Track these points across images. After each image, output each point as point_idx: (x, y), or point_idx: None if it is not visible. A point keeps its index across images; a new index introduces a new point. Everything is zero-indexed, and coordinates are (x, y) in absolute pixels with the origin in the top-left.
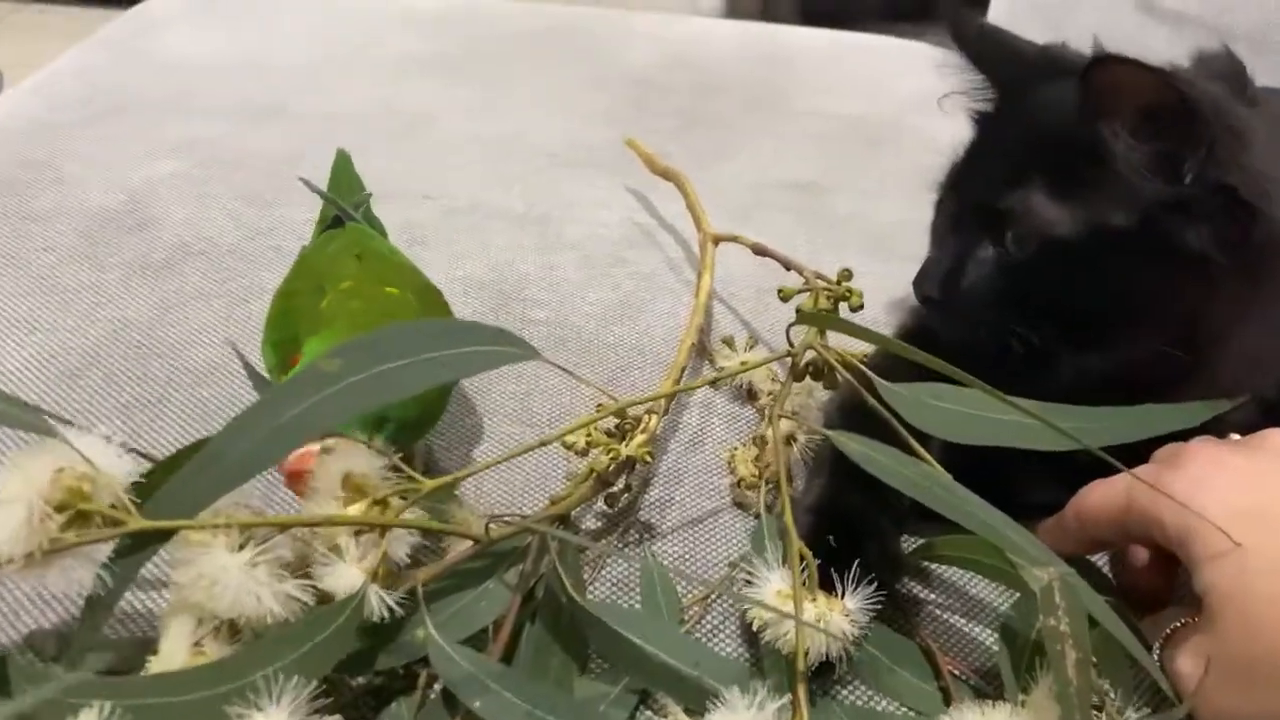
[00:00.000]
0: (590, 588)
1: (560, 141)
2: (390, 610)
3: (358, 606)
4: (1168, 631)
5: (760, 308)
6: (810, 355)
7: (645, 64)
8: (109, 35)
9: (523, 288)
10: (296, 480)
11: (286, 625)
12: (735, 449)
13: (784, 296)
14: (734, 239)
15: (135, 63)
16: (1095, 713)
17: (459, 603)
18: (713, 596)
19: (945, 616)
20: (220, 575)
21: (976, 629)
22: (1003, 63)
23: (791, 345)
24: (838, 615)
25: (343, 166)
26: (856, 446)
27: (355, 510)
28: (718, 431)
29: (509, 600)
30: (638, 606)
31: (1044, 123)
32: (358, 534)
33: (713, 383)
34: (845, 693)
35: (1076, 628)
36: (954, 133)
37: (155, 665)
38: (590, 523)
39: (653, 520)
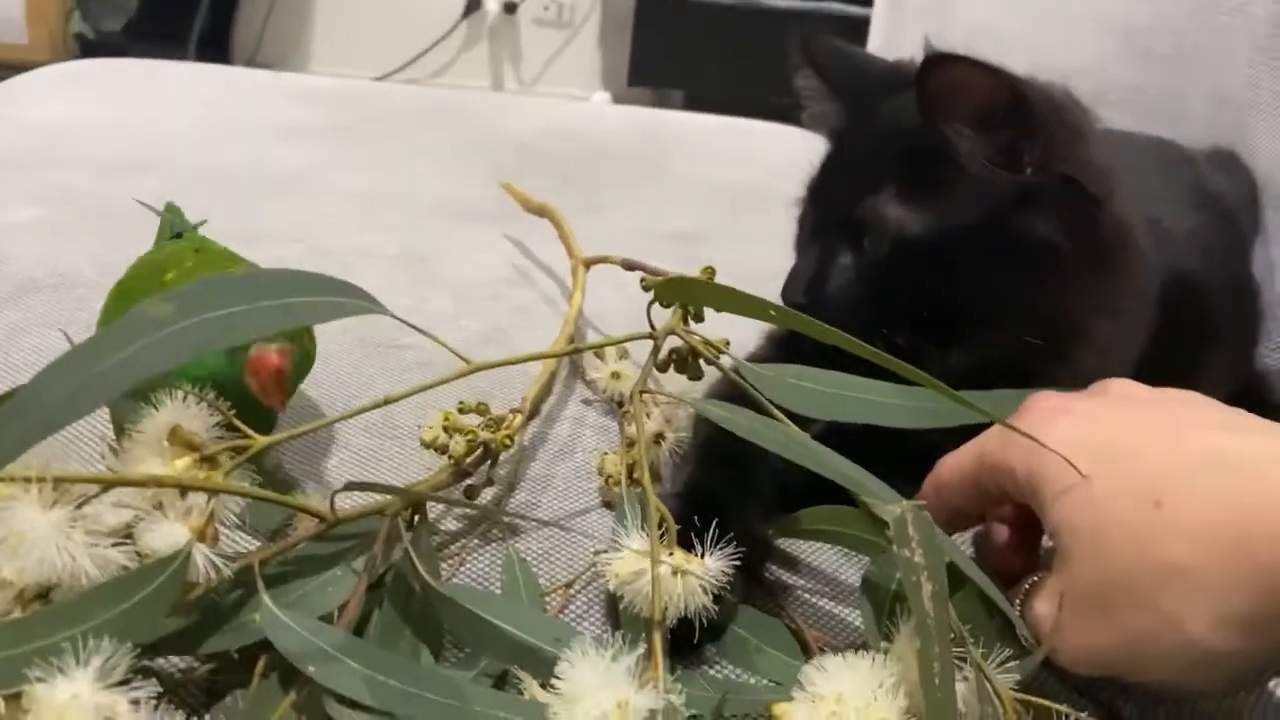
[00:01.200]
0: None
1: (438, 196)
2: (217, 569)
3: (180, 566)
4: (1025, 586)
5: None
6: (673, 343)
7: (525, 133)
8: None
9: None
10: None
11: (101, 586)
12: (605, 454)
13: (646, 285)
14: (604, 259)
15: (1, 125)
16: (958, 662)
17: (302, 589)
18: (577, 584)
19: (814, 600)
20: (28, 532)
21: (845, 610)
22: (853, 79)
23: (653, 328)
24: (696, 567)
25: (174, 215)
26: (719, 411)
27: (181, 465)
28: (588, 442)
29: (355, 587)
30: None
31: (892, 131)
32: (183, 493)
33: (575, 352)
34: (713, 673)
35: (931, 560)
36: None
37: None
38: (450, 524)
39: (516, 523)
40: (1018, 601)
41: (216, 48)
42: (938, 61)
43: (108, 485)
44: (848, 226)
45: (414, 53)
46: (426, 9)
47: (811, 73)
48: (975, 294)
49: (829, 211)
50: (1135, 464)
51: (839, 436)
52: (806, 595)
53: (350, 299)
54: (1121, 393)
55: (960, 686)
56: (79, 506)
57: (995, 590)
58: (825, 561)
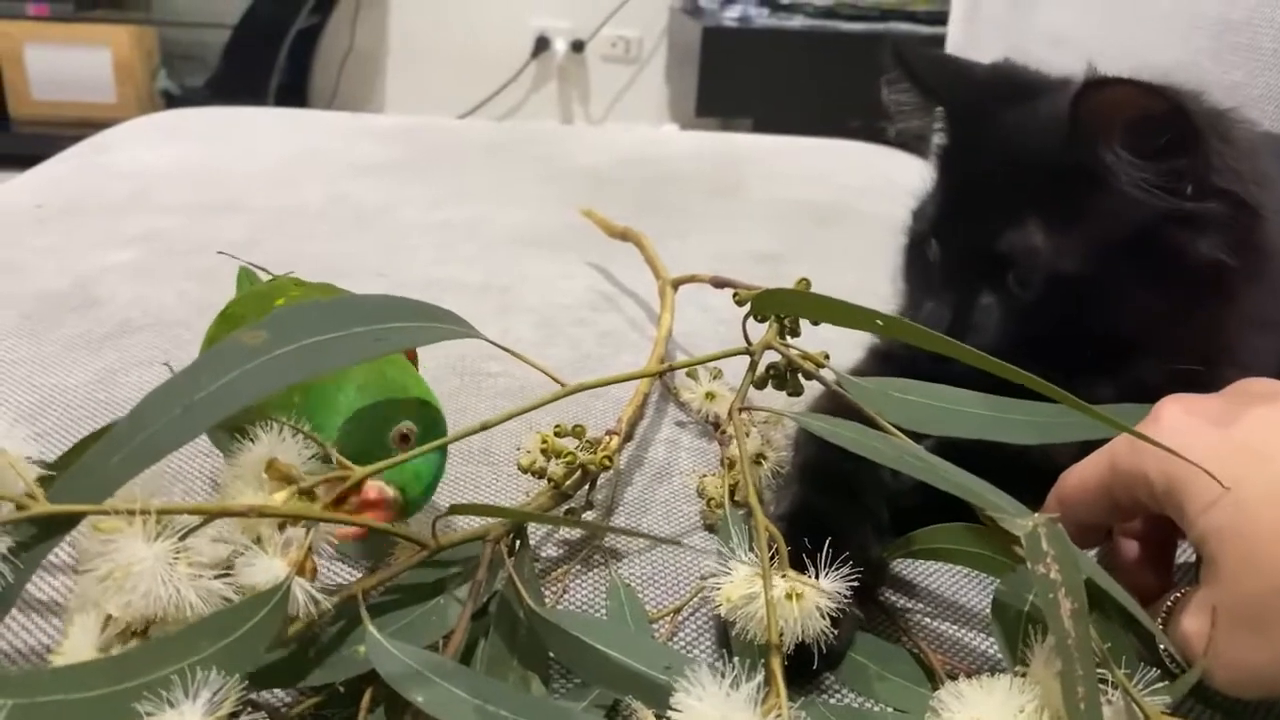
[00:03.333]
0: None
1: (516, 226)
2: (316, 603)
3: (281, 600)
4: (1168, 604)
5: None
6: (770, 359)
7: (599, 162)
8: (66, 154)
9: (480, 347)
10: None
11: (202, 621)
12: (705, 475)
13: (740, 300)
14: (692, 279)
15: (92, 173)
16: (1100, 684)
17: (405, 618)
18: (685, 610)
19: (935, 623)
20: (135, 565)
21: (969, 634)
22: (956, 89)
23: (749, 343)
24: (811, 590)
25: (248, 277)
26: (823, 425)
27: (280, 499)
28: (684, 464)
29: (460, 616)
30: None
31: (1023, 152)
32: (281, 526)
33: (670, 370)
34: (834, 702)
35: (1069, 574)
36: (895, 216)
37: (58, 662)
38: (550, 550)
39: (617, 547)
40: (1159, 620)
41: (295, 99)
42: (1100, 84)
43: (210, 516)
44: (987, 263)
45: (485, 95)
46: (496, 51)
47: (909, 84)
48: (1138, 324)
49: (961, 247)
50: None
51: (947, 456)
52: (927, 619)
53: (442, 323)
54: (1261, 392)
55: (1105, 710)
56: (182, 539)
57: (1138, 607)
58: (943, 583)
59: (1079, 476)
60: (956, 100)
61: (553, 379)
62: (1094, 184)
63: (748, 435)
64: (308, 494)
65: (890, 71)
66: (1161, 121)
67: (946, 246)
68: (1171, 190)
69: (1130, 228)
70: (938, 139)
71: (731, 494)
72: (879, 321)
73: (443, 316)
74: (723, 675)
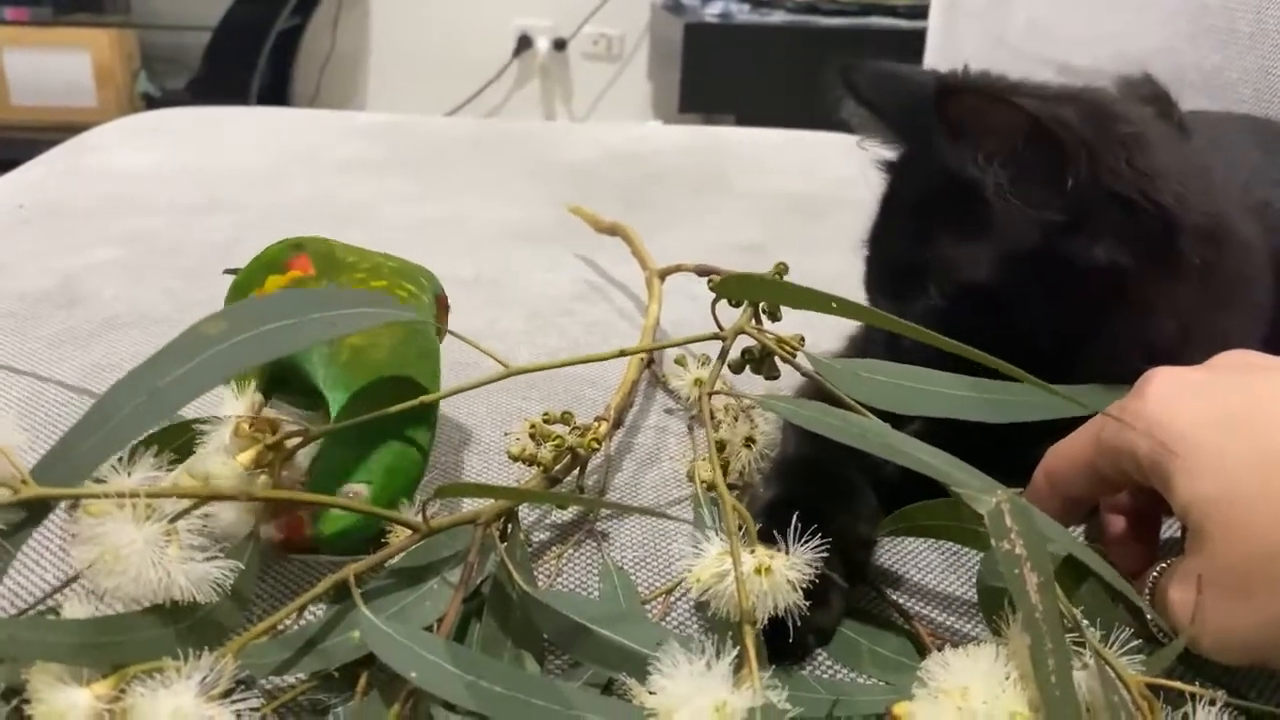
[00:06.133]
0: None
1: (503, 222)
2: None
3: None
4: (1154, 574)
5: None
6: (747, 342)
7: (584, 157)
8: (46, 157)
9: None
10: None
11: None
12: (696, 460)
13: (714, 284)
14: (678, 268)
15: (75, 173)
16: (1077, 649)
17: (399, 602)
18: (677, 591)
19: (926, 598)
20: (124, 548)
21: (959, 608)
22: (902, 106)
23: (720, 328)
24: (780, 563)
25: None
26: (786, 406)
27: (245, 457)
28: (673, 450)
29: (452, 599)
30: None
31: (939, 164)
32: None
33: (643, 351)
34: (826, 676)
35: (1033, 549)
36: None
37: None
38: (541, 535)
39: (609, 530)
40: (1146, 591)
41: (276, 100)
42: (952, 91)
43: (197, 499)
44: (911, 272)
45: (467, 94)
46: (478, 51)
47: (856, 105)
48: (1048, 331)
49: (893, 258)
50: (1272, 433)
51: (935, 439)
52: (917, 594)
53: (386, 309)
54: (1242, 362)
55: (1080, 675)
56: (172, 521)
57: (1119, 578)
58: (935, 559)
59: (1065, 450)
60: (896, 116)
61: (497, 360)
62: (980, 192)
63: (736, 420)
64: (275, 447)
65: (838, 93)
66: (1018, 128)
67: (882, 258)
68: (1047, 199)
69: (1026, 234)
70: (887, 152)
71: (725, 476)
72: (833, 304)
73: (384, 303)
74: (701, 652)
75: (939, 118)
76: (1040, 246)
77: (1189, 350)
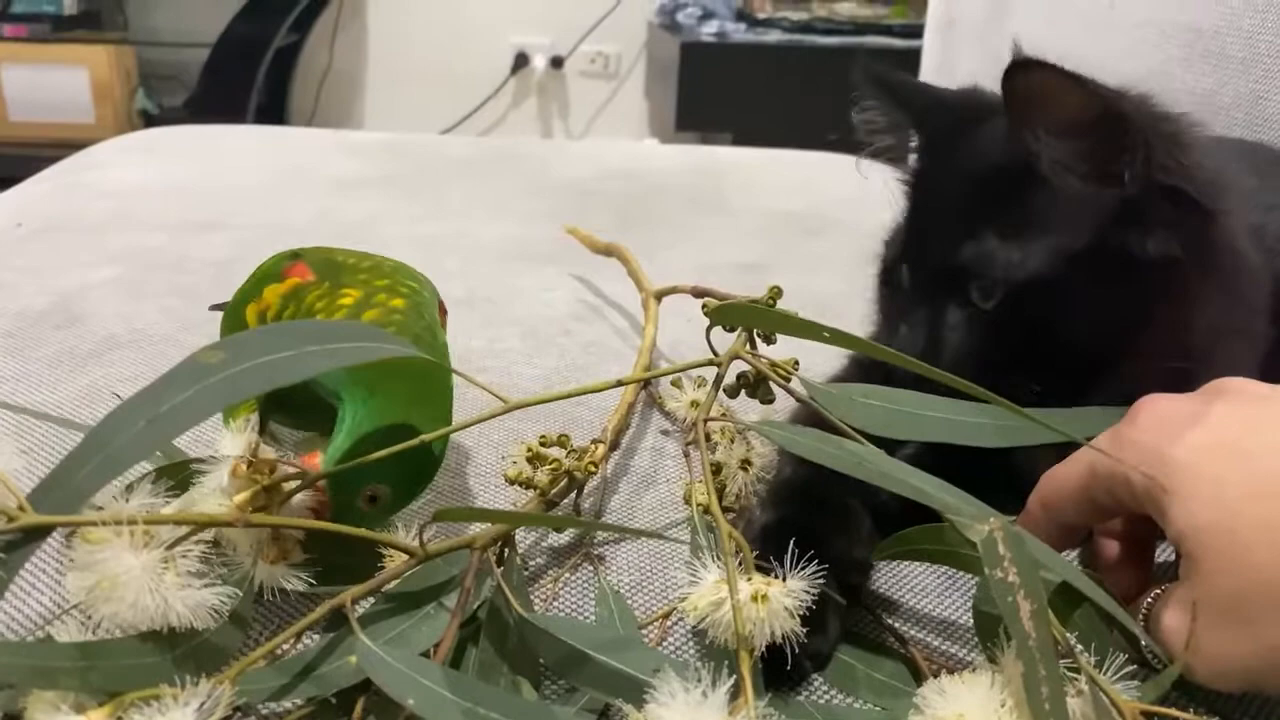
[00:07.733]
0: None
1: (500, 240)
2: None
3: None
4: (1149, 600)
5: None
6: (743, 367)
7: (581, 176)
8: (45, 174)
9: (466, 358)
10: None
11: None
12: (691, 483)
13: (708, 311)
14: (674, 290)
15: (73, 191)
16: (1072, 676)
17: (395, 628)
18: (674, 615)
19: (923, 624)
20: (122, 575)
21: (956, 633)
22: (928, 109)
23: (715, 353)
24: (777, 590)
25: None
26: (779, 432)
27: (240, 498)
28: (670, 472)
29: (449, 623)
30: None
31: (978, 166)
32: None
33: (640, 379)
34: (822, 701)
35: (1026, 577)
36: (877, 224)
37: None
38: (538, 558)
39: (605, 553)
40: (1141, 617)
41: (274, 118)
42: (1023, 66)
43: (195, 525)
44: (950, 278)
45: (464, 111)
46: (475, 69)
47: (882, 104)
48: (1099, 324)
49: (928, 267)
50: (1269, 462)
51: (933, 461)
52: (913, 618)
53: (382, 343)
54: (1239, 390)
55: (1075, 702)
56: (169, 548)
57: (1114, 604)
58: (931, 583)
59: (1060, 477)
60: (929, 122)
61: (495, 396)
62: (1034, 180)
63: (732, 442)
64: (271, 489)
65: (860, 90)
66: (1091, 113)
67: (915, 269)
68: (1105, 183)
69: (1078, 227)
70: (904, 169)
71: (721, 500)
72: (825, 334)
73: (381, 337)
74: (698, 680)
75: (1005, 91)
76: (1093, 239)
77: (1216, 352)
